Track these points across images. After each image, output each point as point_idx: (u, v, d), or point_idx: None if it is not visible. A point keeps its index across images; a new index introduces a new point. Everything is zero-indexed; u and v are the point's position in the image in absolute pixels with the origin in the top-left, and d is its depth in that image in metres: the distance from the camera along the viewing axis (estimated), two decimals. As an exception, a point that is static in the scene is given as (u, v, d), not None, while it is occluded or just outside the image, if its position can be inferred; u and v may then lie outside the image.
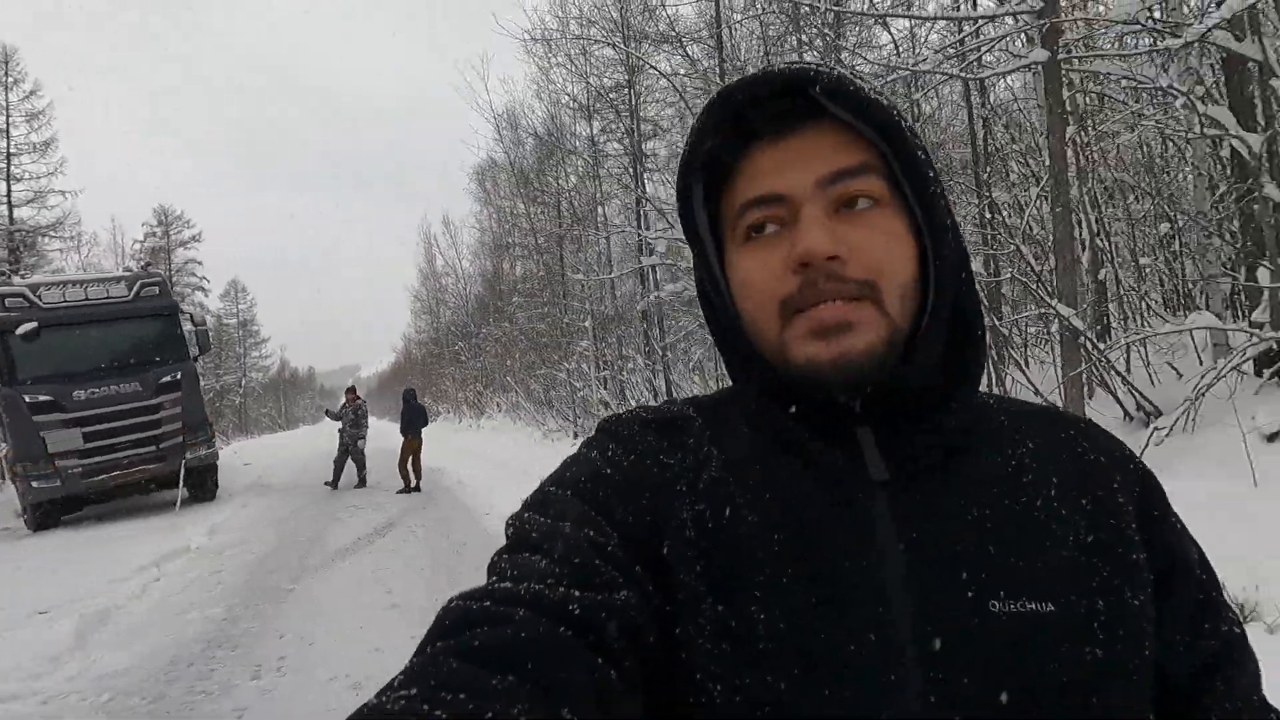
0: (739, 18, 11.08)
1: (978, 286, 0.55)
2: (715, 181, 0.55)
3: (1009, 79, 8.43)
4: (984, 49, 6.75)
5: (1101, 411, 5.48)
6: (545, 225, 18.24)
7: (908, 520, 0.49)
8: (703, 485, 0.52)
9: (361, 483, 11.84)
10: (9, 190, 23.91)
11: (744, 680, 0.45)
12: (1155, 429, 4.70)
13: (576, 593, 0.43)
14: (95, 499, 9.97)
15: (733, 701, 0.45)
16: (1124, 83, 6.16)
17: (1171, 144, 7.46)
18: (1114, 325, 7.17)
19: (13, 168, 24.08)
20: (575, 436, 14.86)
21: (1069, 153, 5.81)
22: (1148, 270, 7.67)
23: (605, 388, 14.94)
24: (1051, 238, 5.69)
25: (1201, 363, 5.57)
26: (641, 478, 0.53)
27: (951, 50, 6.63)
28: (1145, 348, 6.17)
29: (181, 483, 10.06)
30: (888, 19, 7.86)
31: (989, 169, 8.17)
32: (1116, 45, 6.15)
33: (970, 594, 0.46)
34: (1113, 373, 5.39)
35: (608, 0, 13.51)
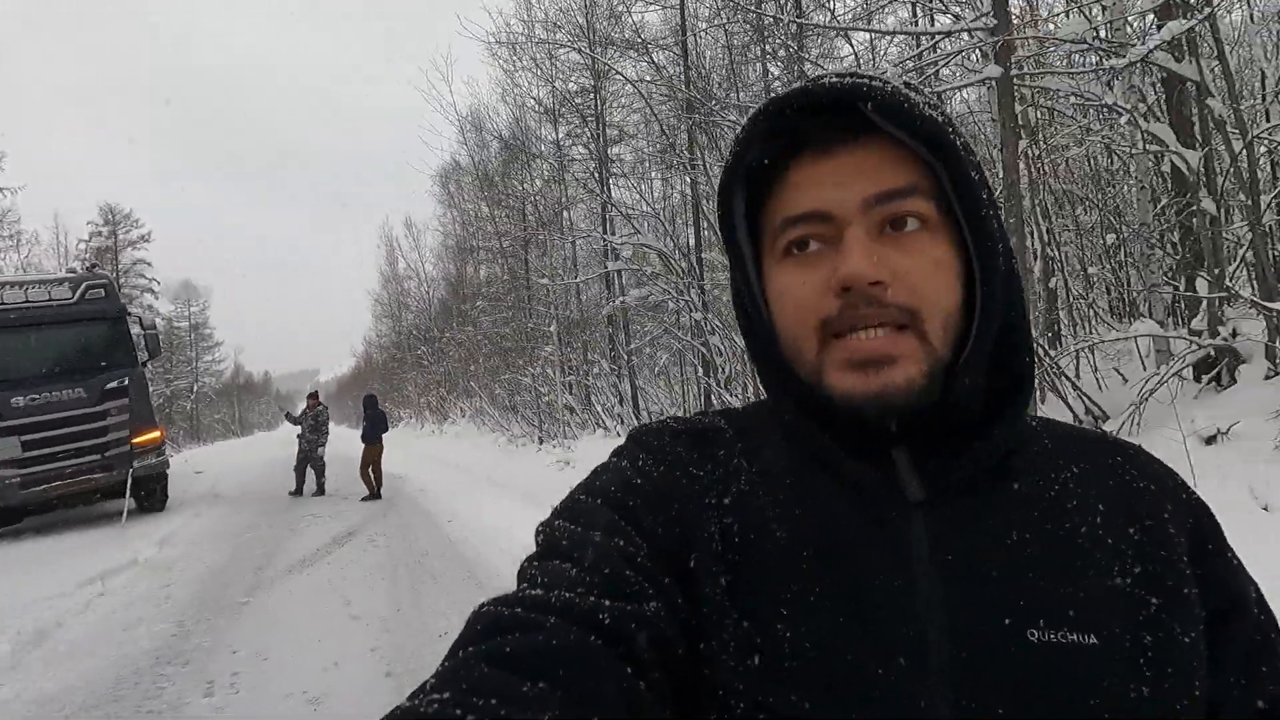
0: (704, 26, 11.18)
1: (1029, 310, 0.53)
2: (758, 190, 0.53)
3: (964, 93, 8.69)
4: (941, 64, 6.95)
5: (1052, 415, 5.66)
6: (510, 229, 18.11)
7: (943, 542, 0.47)
8: (731, 499, 0.52)
9: (320, 490, 11.57)
10: (-59, 186, 22.78)
11: (768, 698, 0.44)
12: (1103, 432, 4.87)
13: (607, 602, 0.43)
14: (35, 510, 9.51)
15: (756, 718, 0.44)
16: (1073, 99, 6.40)
17: (1117, 158, 7.78)
18: (1064, 332, 7.43)
19: (-55, 163, 22.94)
20: (540, 442, 14.75)
21: (1021, 165, 6.00)
22: (1095, 279, 7.97)
23: (570, 393, 14.87)
24: (1005, 247, 5.85)
25: (1145, 369, 5.81)
26: (671, 489, 0.53)
27: (910, 64, 6.80)
28: (1093, 354, 6.41)
29: (129, 493, 9.68)
30: (849, 32, 8.02)
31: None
32: (1066, 63, 6.39)
33: (1007, 621, 0.44)
34: (1063, 378, 5.58)
35: (573, 5, 13.51)
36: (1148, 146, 5.50)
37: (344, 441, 22.43)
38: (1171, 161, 5.41)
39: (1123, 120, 6.12)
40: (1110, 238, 7.35)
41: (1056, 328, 7.43)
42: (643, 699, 0.40)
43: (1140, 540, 0.48)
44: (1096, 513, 0.49)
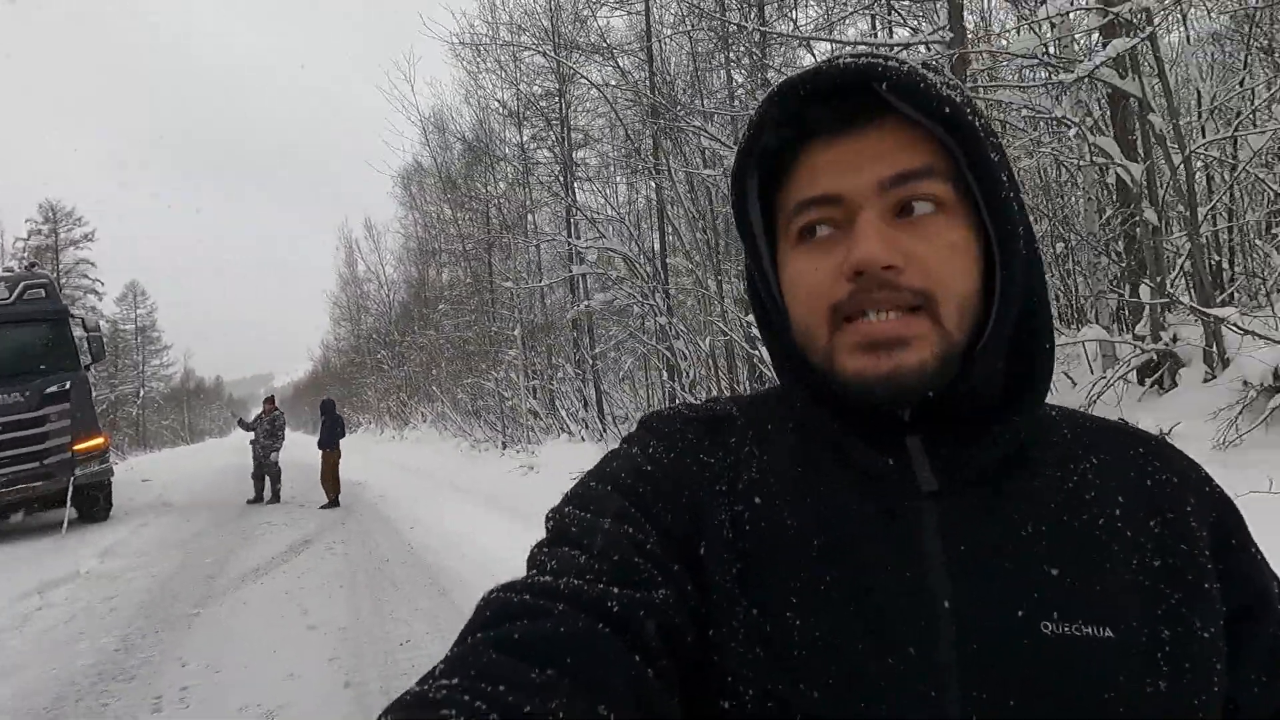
0: (669, 33, 11.26)
1: (1050, 296, 0.52)
2: (772, 175, 0.52)
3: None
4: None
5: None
6: (473, 232, 17.92)
7: (956, 533, 0.47)
8: (743, 486, 0.51)
9: (275, 497, 11.25)
10: None
11: (776, 686, 0.44)
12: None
13: (615, 589, 0.43)
14: (-33, 521, 9.05)
15: (765, 707, 0.44)
16: (1024, 112, 6.62)
17: (1065, 170, 8.07)
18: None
19: None
20: (503, 448, 14.60)
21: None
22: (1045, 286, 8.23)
23: (534, 397, 14.76)
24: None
25: (1093, 372, 6.03)
26: (682, 476, 0.52)
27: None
28: (1044, 358, 6.60)
29: (70, 501, 9.26)
30: (811, 42, 8.17)
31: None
32: (1018, 77, 6.61)
33: (1020, 613, 0.44)
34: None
35: (538, 8, 13.48)
36: (1094, 159, 5.72)
37: (301, 448, 21.86)
38: (1116, 174, 5.63)
39: (1071, 133, 6.35)
40: (1059, 246, 7.62)
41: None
42: (651, 686, 0.40)
43: (1161, 533, 0.47)
44: (1116, 504, 0.48)
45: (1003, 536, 0.46)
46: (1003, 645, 0.43)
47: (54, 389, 9.41)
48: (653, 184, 11.17)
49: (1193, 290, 5.58)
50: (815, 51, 9.65)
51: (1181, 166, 4.94)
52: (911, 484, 0.49)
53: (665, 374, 10.89)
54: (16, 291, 9.55)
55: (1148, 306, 5.18)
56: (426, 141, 19.52)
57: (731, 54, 10.15)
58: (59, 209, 35.43)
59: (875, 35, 8.47)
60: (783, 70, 8.82)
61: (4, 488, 8.89)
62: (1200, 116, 7.03)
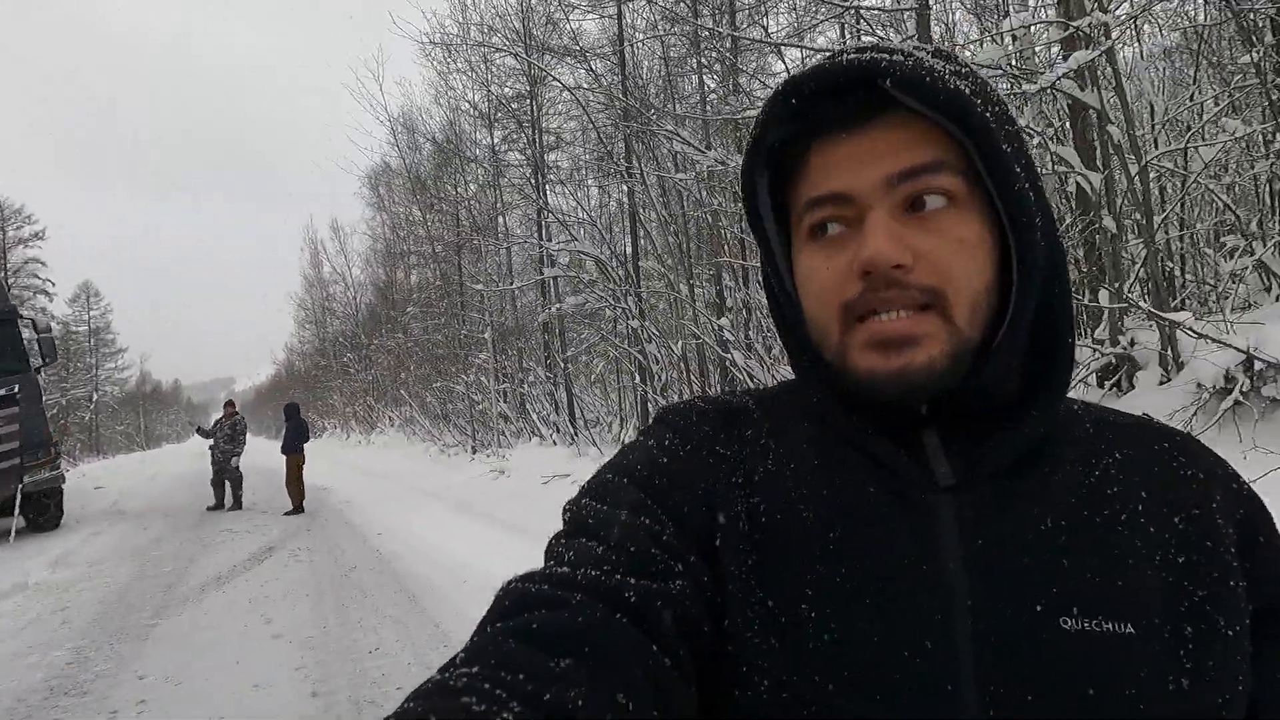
0: (641, 37, 11.30)
1: (1071, 288, 0.51)
2: (783, 171, 0.52)
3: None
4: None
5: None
6: (443, 233, 17.72)
7: (973, 527, 0.46)
8: (758, 478, 0.52)
9: (237, 504, 10.95)
10: None
11: (792, 678, 0.44)
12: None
13: (633, 580, 0.43)
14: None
15: (779, 698, 0.44)
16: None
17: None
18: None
19: None
20: (473, 452, 14.44)
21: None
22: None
23: (505, 401, 14.64)
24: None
25: (1054, 375, 6.18)
26: (697, 467, 0.52)
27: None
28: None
29: (18, 510, 8.89)
30: (782, 49, 8.27)
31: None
32: (982, 87, 6.74)
33: (1039, 608, 0.43)
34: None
35: (510, 10, 13.41)
36: (1055, 168, 5.88)
37: (263, 453, 21.34)
38: (1076, 182, 5.81)
39: (1033, 143, 6.54)
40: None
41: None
42: (668, 676, 0.41)
43: (1185, 529, 0.47)
44: (1139, 500, 0.47)
45: (1021, 531, 0.46)
46: (1021, 640, 0.43)
47: (1, 392, 9.04)
48: (624, 187, 11.18)
49: (1148, 296, 5.77)
50: (786, 58, 9.78)
51: (1138, 176, 5.11)
52: (928, 478, 0.48)
53: (637, 377, 10.89)
54: (-39, 291, 9.16)
55: (1107, 311, 5.34)
56: (395, 142, 19.26)
57: (703, 59, 10.22)
58: (6, 206, 34.11)
59: (845, 42, 8.61)
60: (755, 75, 8.91)
61: (-54, 496, 8.51)
62: (1154, 129, 7.29)
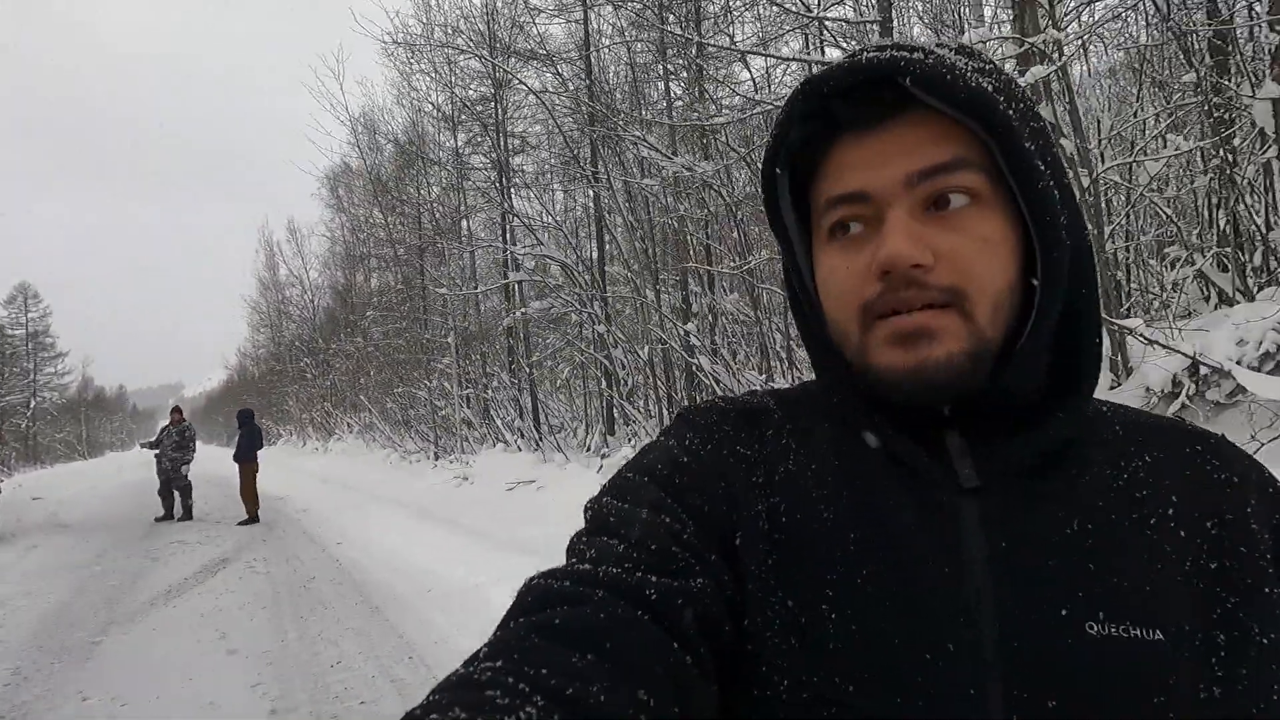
0: (607, 42, 11.31)
1: (1099, 287, 0.50)
2: (804, 170, 0.52)
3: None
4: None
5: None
6: (405, 236, 17.43)
7: (998, 529, 0.46)
8: (779, 478, 0.51)
9: (187, 514, 10.56)
10: None
11: (812, 678, 0.44)
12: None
13: (654, 578, 0.43)
14: None
15: (800, 698, 0.44)
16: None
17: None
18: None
19: None
20: (436, 458, 14.21)
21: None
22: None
23: (469, 406, 14.44)
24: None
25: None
26: (718, 467, 0.52)
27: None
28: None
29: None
30: (748, 58, 8.37)
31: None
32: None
33: (1064, 612, 0.43)
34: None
35: (475, 12, 13.29)
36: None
37: (215, 461, 20.64)
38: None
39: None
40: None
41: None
42: (689, 673, 0.41)
43: (1218, 535, 0.46)
44: (1169, 504, 0.46)
45: (1046, 533, 0.45)
46: (1045, 644, 0.42)
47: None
48: (590, 192, 11.16)
49: (1099, 303, 5.99)
50: (752, 67, 9.91)
51: (1090, 187, 5.30)
52: (952, 480, 0.48)
53: (604, 383, 10.86)
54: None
55: (1060, 318, 5.50)
56: (356, 142, 18.84)
57: (670, 65, 10.29)
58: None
59: (809, 53, 8.76)
60: (722, 82, 8.99)
61: None
62: (1100, 144, 7.60)
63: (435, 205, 16.31)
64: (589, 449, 10.79)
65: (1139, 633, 0.42)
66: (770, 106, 6.59)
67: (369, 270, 22.61)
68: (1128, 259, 7.43)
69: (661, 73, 10.65)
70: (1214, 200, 5.72)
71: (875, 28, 5.88)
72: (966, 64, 0.47)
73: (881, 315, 0.47)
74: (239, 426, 10.98)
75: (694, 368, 8.80)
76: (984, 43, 6.05)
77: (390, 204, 17.80)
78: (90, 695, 3.83)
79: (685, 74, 10.09)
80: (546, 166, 14.17)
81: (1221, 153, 5.10)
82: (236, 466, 10.41)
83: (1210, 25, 5.38)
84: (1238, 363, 3.67)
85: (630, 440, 9.45)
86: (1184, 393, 4.07)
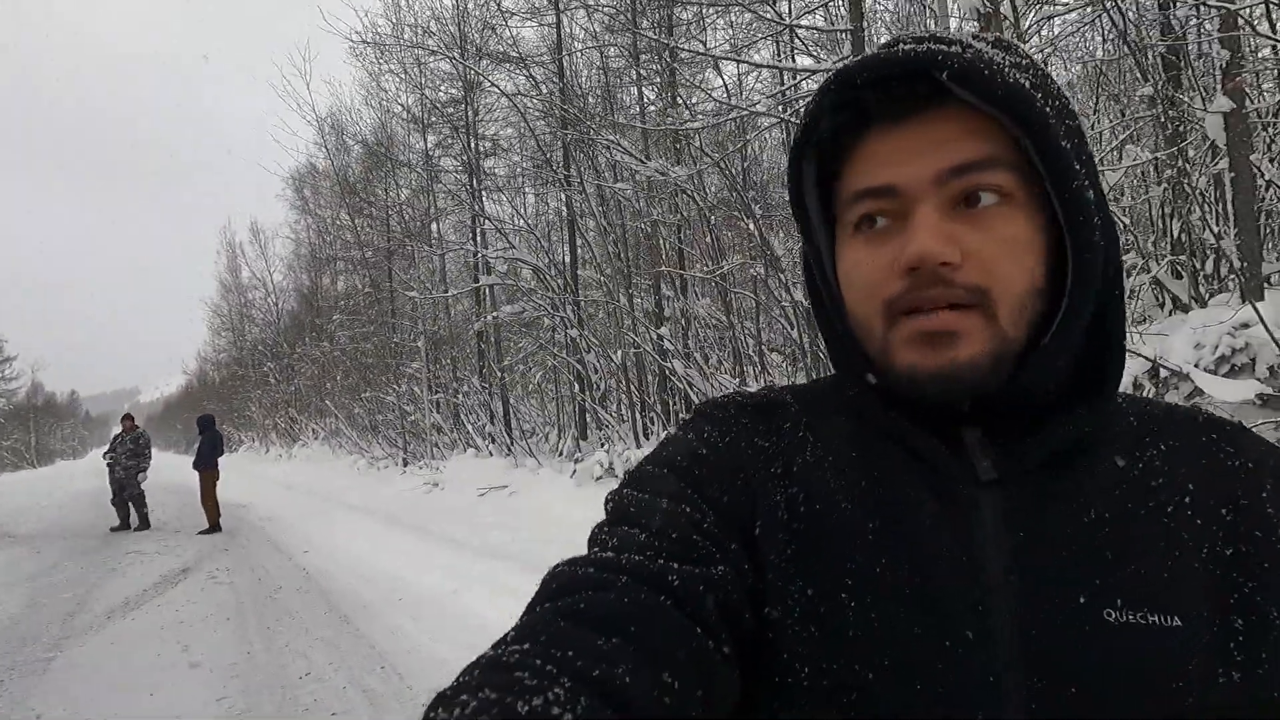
0: (580, 46, 11.30)
1: (1125, 290, 0.50)
2: (831, 160, 0.51)
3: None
4: (802, 101, 7.49)
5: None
6: (373, 238, 17.16)
7: (1016, 521, 0.46)
8: (797, 469, 0.51)
9: (143, 523, 10.22)
10: None
11: (832, 665, 0.45)
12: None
13: (676, 565, 0.43)
14: None
15: (820, 685, 0.45)
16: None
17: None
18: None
19: None
20: (405, 464, 13.98)
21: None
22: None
23: (439, 411, 14.25)
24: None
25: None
26: (736, 458, 0.53)
27: (774, 100, 7.26)
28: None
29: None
30: (720, 64, 8.44)
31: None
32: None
33: (1082, 599, 0.43)
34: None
35: (445, 14, 13.17)
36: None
37: (173, 469, 20.03)
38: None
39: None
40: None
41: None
42: (712, 659, 0.41)
43: (1233, 521, 0.46)
44: (1185, 492, 0.47)
45: (1064, 524, 0.46)
46: (1064, 632, 0.43)
47: None
48: (563, 196, 11.12)
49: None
50: (724, 75, 9.99)
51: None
52: (969, 473, 0.48)
53: (576, 387, 10.81)
54: None
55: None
56: (323, 143, 18.49)
57: (643, 70, 10.32)
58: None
59: (780, 60, 8.87)
60: (697, 86, 9.04)
61: None
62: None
63: (404, 207, 16.10)
64: (561, 454, 10.73)
65: (1157, 619, 0.43)
66: (745, 112, 6.65)
67: (335, 273, 22.20)
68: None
69: (635, 77, 10.68)
70: (1168, 210, 5.93)
71: (847, 36, 5.98)
72: (1004, 58, 0.46)
73: (905, 312, 0.47)
74: (199, 433, 10.67)
75: (667, 371, 8.81)
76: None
77: (358, 206, 17.51)
78: (45, 713, 3.68)
79: (658, 79, 10.14)
80: (518, 169, 14.09)
81: (1179, 164, 5.28)
82: (196, 474, 10.12)
83: (1164, 41, 5.58)
84: (1195, 365, 3.81)
85: (603, 445, 9.41)
86: (1145, 395, 4.21)
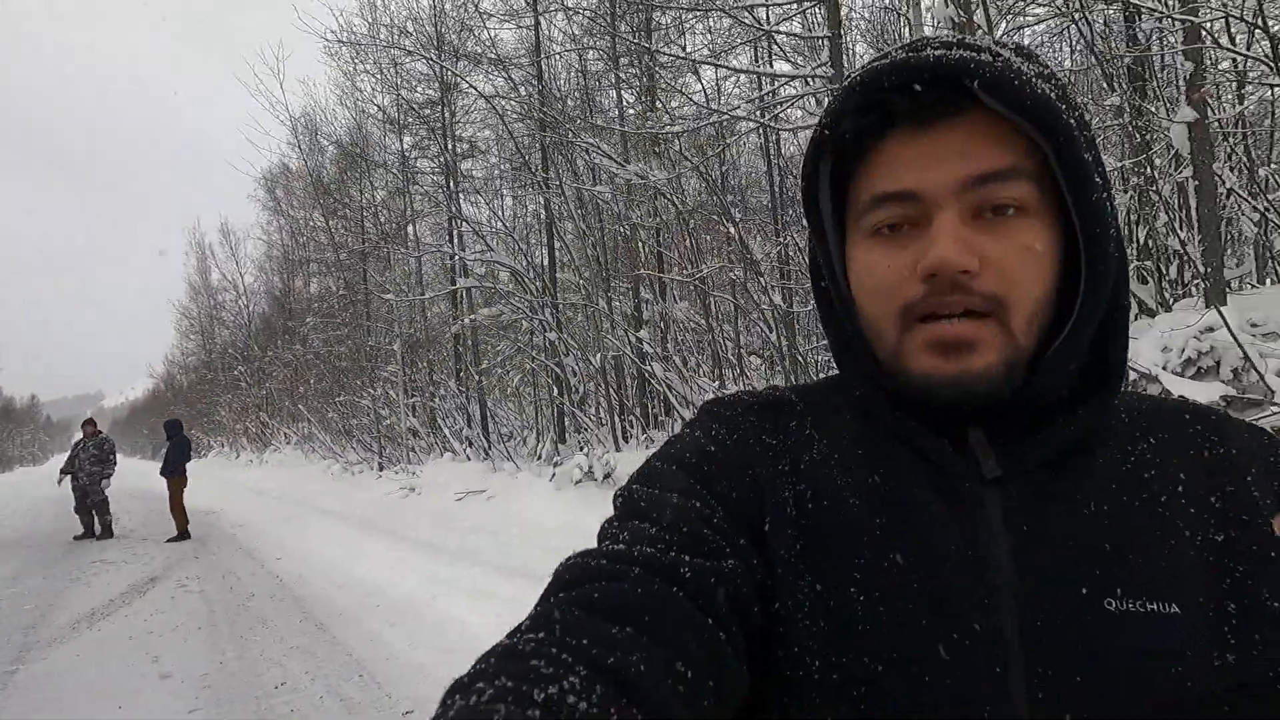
0: (558, 49, 11.28)
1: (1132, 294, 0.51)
2: (848, 159, 0.51)
3: (800, 136, 9.50)
4: (780, 106, 7.56)
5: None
6: (347, 240, 16.93)
7: (1019, 517, 0.47)
8: (805, 466, 0.52)
9: (106, 531, 9.94)
10: None
11: (841, 659, 0.45)
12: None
13: (687, 557, 0.44)
14: None
15: (830, 678, 0.45)
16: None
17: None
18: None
19: None
20: (380, 469, 13.80)
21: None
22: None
23: (415, 415, 14.09)
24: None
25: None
26: (744, 456, 0.53)
27: (753, 105, 7.32)
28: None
29: None
30: (699, 69, 8.48)
31: (788, 212, 9.10)
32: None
33: (1084, 590, 0.44)
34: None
35: (422, 14, 13.06)
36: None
37: (139, 475, 19.53)
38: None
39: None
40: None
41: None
42: (723, 650, 0.42)
43: (1222, 508, 0.47)
44: (1177, 482, 0.48)
45: (1065, 518, 0.47)
46: (1066, 622, 0.44)
47: None
48: (541, 198, 11.08)
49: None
50: (703, 79, 10.04)
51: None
52: (974, 471, 0.49)
53: (555, 390, 10.76)
54: None
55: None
56: (297, 143, 18.22)
57: (621, 74, 10.33)
58: None
59: (759, 65, 8.94)
60: (678, 89, 9.08)
61: None
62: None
63: (380, 209, 15.91)
64: (540, 458, 10.67)
65: (1155, 607, 0.44)
66: (724, 117, 6.69)
67: (309, 275, 21.86)
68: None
69: (614, 81, 10.69)
70: (1135, 217, 6.09)
71: (825, 43, 6.06)
72: (1030, 68, 0.46)
73: (922, 317, 0.47)
74: (167, 438, 10.42)
75: (646, 375, 8.82)
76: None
77: (332, 207, 17.27)
78: (6, 728, 3.56)
79: (638, 83, 10.16)
80: (496, 171, 14.02)
81: (1147, 171, 5.42)
82: (164, 481, 9.88)
83: (1131, 53, 5.73)
84: (1164, 368, 3.91)
85: (582, 448, 9.38)
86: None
